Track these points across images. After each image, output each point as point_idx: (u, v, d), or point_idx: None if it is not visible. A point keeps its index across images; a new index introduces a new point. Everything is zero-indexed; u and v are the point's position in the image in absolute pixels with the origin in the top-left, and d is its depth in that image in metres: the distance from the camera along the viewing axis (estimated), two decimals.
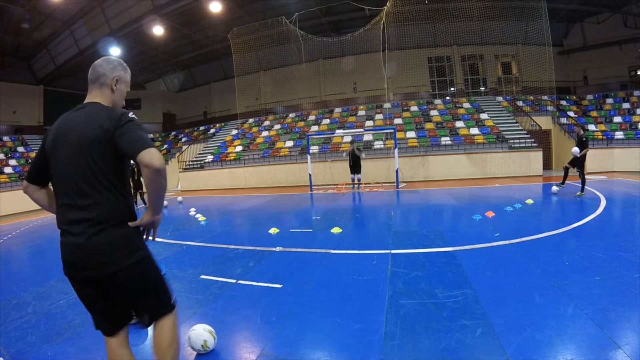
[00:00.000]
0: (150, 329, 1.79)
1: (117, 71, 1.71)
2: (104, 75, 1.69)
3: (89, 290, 1.59)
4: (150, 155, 1.43)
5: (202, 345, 2.35)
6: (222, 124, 22.90)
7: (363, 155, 11.74)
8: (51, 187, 1.66)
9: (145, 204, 11.10)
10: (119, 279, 1.56)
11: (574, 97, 18.36)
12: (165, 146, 23.22)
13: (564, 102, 17.79)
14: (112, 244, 1.52)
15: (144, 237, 1.67)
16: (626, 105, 16.37)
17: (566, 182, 8.74)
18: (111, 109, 1.62)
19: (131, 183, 11.03)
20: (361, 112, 19.01)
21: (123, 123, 1.51)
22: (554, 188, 8.59)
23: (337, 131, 16.11)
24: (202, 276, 3.99)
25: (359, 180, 11.94)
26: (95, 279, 1.55)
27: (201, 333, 2.37)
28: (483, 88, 20.20)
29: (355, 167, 11.71)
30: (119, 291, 1.60)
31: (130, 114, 1.61)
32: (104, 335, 1.69)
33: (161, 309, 1.71)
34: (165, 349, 1.68)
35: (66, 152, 1.53)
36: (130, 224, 1.57)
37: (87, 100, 1.71)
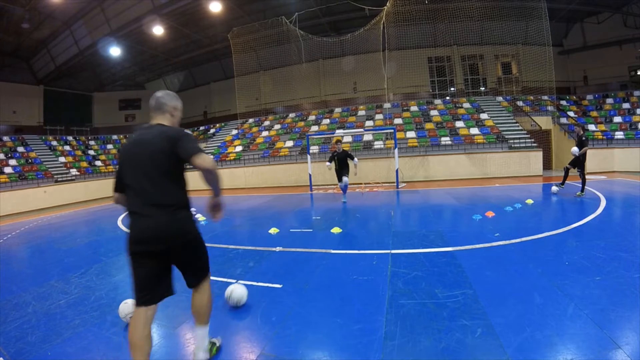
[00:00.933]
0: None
1: (174, 102, 2.25)
2: (165, 105, 2.21)
3: (152, 262, 2.02)
4: (202, 159, 1.89)
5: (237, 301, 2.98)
6: (222, 124, 22.90)
7: (355, 160, 9.02)
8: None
9: None
10: (184, 248, 2.10)
11: (574, 97, 18.36)
12: None
13: (564, 102, 17.79)
14: (181, 223, 2.06)
15: (213, 215, 2.20)
16: (626, 105, 16.37)
17: (566, 182, 8.74)
18: (172, 127, 2.15)
19: None
20: (361, 112, 19.01)
21: (181, 136, 2.01)
22: (554, 188, 8.58)
23: (337, 131, 16.10)
24: None
25: (345, 185, 9.37)
26: (161, 251, 2.02)
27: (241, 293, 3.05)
28: (483, 88, 20.20)
29: (341, 171, 9.26)
30: (184, 256, 2.13)
31: (185, 131, 2.13)
32: (138, 307, 2.01)
33: (205, 272, 2.29)
34: (205, 305, 2.25)
35: (145, 156, 2.01)
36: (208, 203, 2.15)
37: (153, 122, 2.18)
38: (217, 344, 2.43)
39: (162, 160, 1.98)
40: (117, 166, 2.16)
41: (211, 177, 1.94)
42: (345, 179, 9.19)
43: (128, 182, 2.03)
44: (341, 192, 11.91)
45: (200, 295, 2.24)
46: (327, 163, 9.34)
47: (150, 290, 2.03)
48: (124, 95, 25.56)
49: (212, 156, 2.06)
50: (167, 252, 2.05)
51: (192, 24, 18.55)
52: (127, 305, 2.86)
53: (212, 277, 3.84)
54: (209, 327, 2.30)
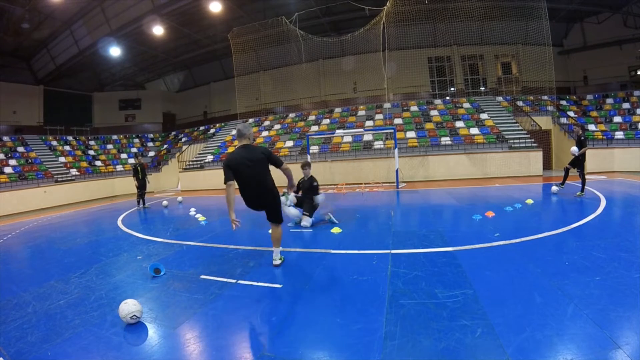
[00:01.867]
0: None
1: (251, 131, 4.08)
2: (248, 134, 4.01)
3: (261, 208, 4.09)
4: (286, 165, 4.14)
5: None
6: (222, 124, 22.90)
7: (320, 198, 6.56)
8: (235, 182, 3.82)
9: (144, 204, 11.09)
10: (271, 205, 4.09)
11: (574, 97, 18.36)
12: (165, 146, 23.22)
13: (564, 102, 17.79)
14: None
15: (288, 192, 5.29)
16: (626, 105, 16.37)
17: (566, 182, 8.74)
18: (259, 146, 4.14)
19: (136, 182, 11.06)
20: (361, 112, 19.01)
21: (269, 153, 4.00)
22: (554, 188, 8.58)
23: (337, 131, 16.10)
24: (202, 276, 4.00)
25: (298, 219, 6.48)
26: (260, 205, 4.07)
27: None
28: (483, 88, 20.20)
29: (301, 205, 6.62)
30: (270, 208, 4.10)
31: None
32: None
33: (280, 219, 4.19)
34: (279, 235, 4.21)
35: (252, 164, 3.82)
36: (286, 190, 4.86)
37: (242, 144, 3.94)
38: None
39: (263, 165, 3.93)
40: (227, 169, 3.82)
41: (289, 173, 4.29)
42: (305, 217, 6.38)
43: (242, 178, 3.88)
44: (343, 192, 11.89)
45: (277, 230, 4.17)
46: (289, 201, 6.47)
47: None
48: (124, 95, 25.55)
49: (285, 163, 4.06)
50: (265, 206, 4.11)
51: (192, 24, 18.55)
52: (127, 305, 2.86)
53: (211, 277, 3.94)
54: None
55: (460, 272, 3.58)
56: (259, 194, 3.91)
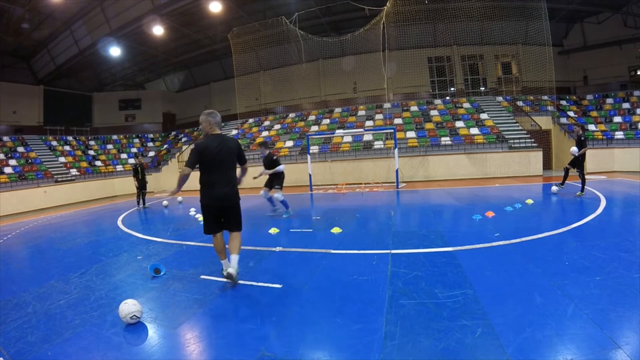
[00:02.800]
0: None
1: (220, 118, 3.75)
2: (220, 121, 3.67)
3: (219, 213, 3.62)
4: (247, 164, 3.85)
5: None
6: (222, 124, 22.86)
7: (281, 167, 7.43)
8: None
9: (144, 204, 11.09)
10: (234, 208, 3.68)
11: (574, 97, 18.36)
12: (165, 146, 23.21)
13: (564, 102, 17.79)
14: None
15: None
16: (626, 105, 16.37)
17: (566, 182, 8.74)
18: (231, 137, 3.86)
19: (136, 182, 11.07)
20: (361, 112, 19.01)
21: (240, 147, 3.73)
22: (554, 188, 8.58)
23: (337, 131, 16.11)
24: (202, 276, 4.00)
25: (283, 203, 7.56)
26: (224, 207, 3.62)
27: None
28: (483, 88, 20.20)
29: (273, 181, 7.50)
30: (234, 211, 3.69)
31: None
32: (211, 235, 3.68)
33: (241, 226, 3.76)
34: (239, 245, 3.67)
35: (226, 155, 3.54)
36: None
37: (215, 133, 3.59)
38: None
39: (233, 156, 3.67)
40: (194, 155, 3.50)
41: (247, 171, 3.89)
42: (277, 194, 7.31)
43: (209, 167, 3.53)
44: (343, 192, 11.89)
45: (237, 239, 3.70)
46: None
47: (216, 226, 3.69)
48: (124, 95, 25.55)
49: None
50: (227, 208, 3.67)
51: (192, 24, 18.54)
52: (127, 305, 2.86)
53: (211, 277, 3.93)
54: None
55: (460, 272, 3.58)
56: (226, 194, 3.52)
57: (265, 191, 7.58)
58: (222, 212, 3.60)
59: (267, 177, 7.50)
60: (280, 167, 7.35)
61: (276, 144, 17.82)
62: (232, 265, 3.59)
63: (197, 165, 3.47)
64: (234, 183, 3.60)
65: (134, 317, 2.85)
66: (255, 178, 7.40)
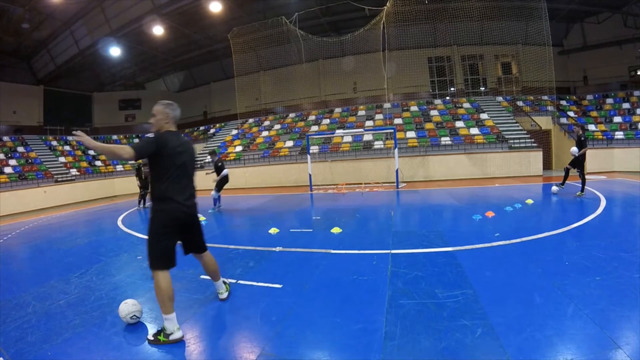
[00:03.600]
0: None
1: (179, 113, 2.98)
2: (178, 116, 2.88)
3: (181, 232, 2.83)
4: None
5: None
6: (222, 124, 22.90)
7: (226, 171, 9.02)
8: None
9: (144, 204, 11.10)
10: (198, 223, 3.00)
11: (574, 97, 18.36)
12: None
13: (564, 102, 17.79)
14: None
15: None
16: (626, 105, 16.37)
17: (566, 182, 8.74)
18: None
19: (138, 182, 11.17)
20: (361, 112, 19.01)
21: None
22: (554, 188, 8.58)
23: (337, 131, 16.11)
24: (202, 276, 3.99)
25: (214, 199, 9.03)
26: (191, 224, 2.89)
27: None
28: (483, 88, 20.20)
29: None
30: (198, 228, 2.99)
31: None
32: (166, 270, 2.66)
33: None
34: (216, 263, 3.16)
35: (190, 158, 2.91)
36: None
37: (173, 130, 2.82)
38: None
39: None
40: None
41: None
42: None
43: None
44: (343, 192, 11.96)
45: (210, 257, 3.15)
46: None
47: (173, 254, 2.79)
48: (124, 95, 25.56)
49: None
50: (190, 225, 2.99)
51: (192, 24, 18.53)
52: (127, 305, 2.86)
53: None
54: None
55: (460, 272, 3.58)
56: (194, 206, 2.90)
57: (215, 192, 8.98)
58: (185, 231, 2.86)
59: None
60: (225, 172, 8.72)
61: (276, 144, 17.83)
62: (219, 291, 3.24)
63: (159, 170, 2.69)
64: (195, 195, 2.92)
65: (134, 317, 2.85)
66: (214, 181, 8.96)
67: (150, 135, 2.69)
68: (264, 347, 2.42)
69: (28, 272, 4.91)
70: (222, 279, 3.27)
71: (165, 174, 2.64)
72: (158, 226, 2.64)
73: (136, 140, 23.64)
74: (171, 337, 2.55)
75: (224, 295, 3.24)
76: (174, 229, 2.72)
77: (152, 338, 2.59)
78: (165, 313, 2.58)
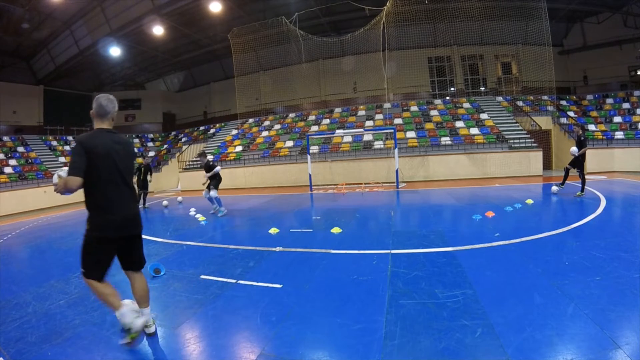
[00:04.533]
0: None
1: (115, 109, 2.52)
2: (113, 113, 2.50)
3: (118, 246, 2.49)
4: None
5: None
6: (222, 124, 22.89)
7: (218, 168, 8.66)
8: None
9: (144, 204, 11.09)
10: (139, 237, 2.64)
11: (574, 97, 18.36)
12: (165, 146, 23.22)
13: (564, 102, 17.79)
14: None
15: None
16: (626, 105, 16.37)
17: (566, 182, 8.74)
18: (126, 138, 2.70)
19: (136, 182, 11.12)
20: (361, 112, 19.01)
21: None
22: (554, 188, 8.58)
23: (337, 131, 16.11)
24: (202, 276, 4.00)
25: (217, 200, 8.71)
26: (130, 237, 2.53)
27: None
28: (483, 88, 20.20)
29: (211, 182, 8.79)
30: (140, 240, 2.64)
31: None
32: (97, 280, 2.43)
33: (144, 260, 2.69)
34: (148, 290, 2.65)
35: (125, 159, 2.52)
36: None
37: (105, 128, 2.46)
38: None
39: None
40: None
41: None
42: (214, 193, 8.57)
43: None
44: (343, 192, 11.96)
45: (142, 278, 2.67)
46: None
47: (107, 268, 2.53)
48: (124, 95, 25.53)
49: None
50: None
51: (192, 24, 18.54)
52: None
53: (211, 277, 3.92)
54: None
55: (460, 272, 3.58)
56: (135, 216, 2.51)
57: (206, 192, 8.70)
58: (122, 244, 2.50)
59: (208, 180, 8.66)
60: (217, 169, 8.55)
61: (276, 144, 17.84)
62: (147, 324, 2.60)
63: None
64: (135, 200, 2.59)
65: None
66: (203, 184, 8.76)
67: (74, 144, 2.39)
68: (264, 347, 2.42)
69: (28, 272, 4.91)
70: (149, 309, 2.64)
71: (93, 181, 2.32)
72: (91, 239, 2.39)
73: (136, 141, 23.67)
74: (134, 329, 2.42)
75: (152, 329, 2.63)
76: (108, 244, 2.40)
77: (125, 341, 2.49)
78: (115, 309, 2.44)
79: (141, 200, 11.13)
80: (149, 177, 11.19)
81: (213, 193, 8.50)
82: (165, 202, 11.38)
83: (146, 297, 2.61)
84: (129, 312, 2.45)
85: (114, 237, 2.41)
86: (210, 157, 9.38)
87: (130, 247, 2.54)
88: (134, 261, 2.61)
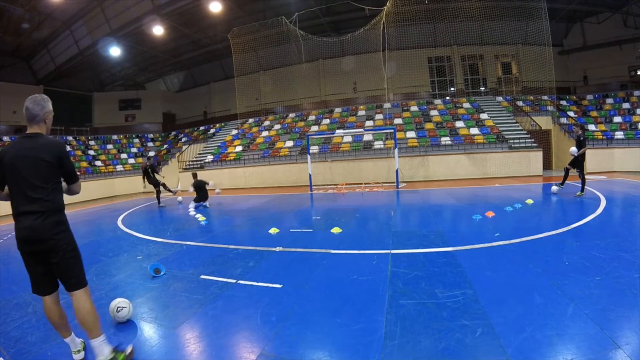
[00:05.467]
0: None
1: (46, 110, 2.32)
2: (42, 115, 2.29)
3: (35, 259, 2.27)
4: (80, 184, 2.62)
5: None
6: (222, 124, 22.90)
7: (212, 183, 10.85)
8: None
9: (159, 203, 11.31)
10: (54, 252, 2.24)
11: (574, 97, 18.36)
12: (165, 146, 23.22)
13: (564, 102, 17.79)
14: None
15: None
16: (626, 105, 16.37)
17: (566, 182, 8.74)
18: (55, 140, 2.34)
19: (145, 183, 11.48)
20: (361, 112, 19.01)
21: (67, 156, 2.38)
22: (554, 188, 8.58)
23: (337, 131, 16.11)
24: (202, 276, 3.99)
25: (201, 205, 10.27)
26: (35, 251, 2.24)
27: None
28: (483, 88, 20.20)
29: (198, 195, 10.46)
30: (52, 261, 2.25)
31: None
32: (41, 295, 2.29)
33: (81, 282, 2.32)
34: (92, 313, 2.27)
35: (35, 165, 2.22)
36: None
37: (30, 132, 2.28)
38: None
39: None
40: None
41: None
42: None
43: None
44: (343, 192, 11.98)
45: (81, 301, 2.26)
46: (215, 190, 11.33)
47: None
48: (124, 95, 25.56)
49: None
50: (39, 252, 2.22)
51: (192, 24, 18.54)
52: (113, 302, 2.97)
53: (211, 277, 3.91)
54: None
55: (460, 272, 3.58)
56: (33, 229, 2.16)
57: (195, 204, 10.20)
58: (37, 258, 2.25)
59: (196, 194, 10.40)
60: (212, 183, 10.80)
61: (276, 144, 17.84)
62: (97, 355, 2.23)
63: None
64: (48, 210, 2.19)
65: (119, 308, 2.91)
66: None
67: None
68: (264, 347, 2.41)
69: None
70: (103, 337, 2.28)
71: (9, 192, 2.23)
72: (19, 249, 2.25)
73: (136, 141, 23.67)
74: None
75: (81, 356, 2.36)
76: (26, 257, 2.26)
77: None
78: (64, 337, 2.33)
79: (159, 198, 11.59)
80: (157, 176, 11.53)
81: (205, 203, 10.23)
82: (179, 198, 11.94)
83: (89, 324, 2.23)
84: (74, 344, 2.36)
85: (25, 250, 2.24)
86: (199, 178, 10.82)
87: (48, 263, 2.24)
88: (61, 280, 2.28)
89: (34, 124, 2.26)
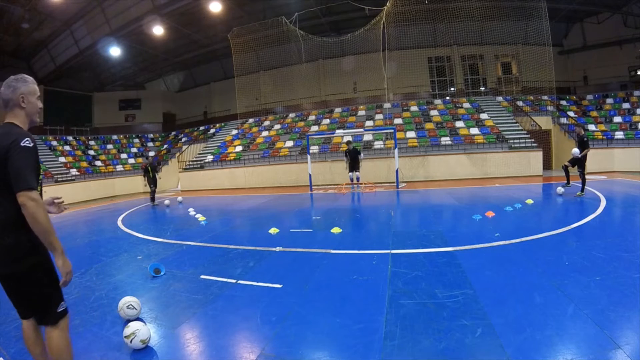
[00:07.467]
0: None
1: (18, 93, 1.87)
2: (15, 99, 1.84)
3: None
4: (34, 195, 1.67)
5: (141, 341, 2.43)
6: (222, 124, 22.90)
7: (362, 155, 12.44)
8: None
9: (153, 202, 11.37)
10: (14, 280, 1.84)
11: (574, 97, 18.36)
12: (165, 146, 23.22)
13: (564, 102, 17.79)
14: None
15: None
16: (626, 105, 16.37)
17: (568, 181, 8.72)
18: (22, 131, 1.80)
19: (145, 181, 11.61)
20: (361, 112, 19.01)
21: (18, 148, 1.68)
22: (560, 189, 8.41)
23: (337, 131, 16.11)
24: (202, 276, 3.99)
25: (357, 179, 12.14)
26: None
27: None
28: (483, 88, 20.20)
29: (354, 165, 12.04)
30: (12, 289, 1.90)
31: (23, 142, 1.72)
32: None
33: (54, 315, 1.90)
34: (66, 351, 1.88)
35: None
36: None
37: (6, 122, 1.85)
38: None
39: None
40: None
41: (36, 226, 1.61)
42: (357, 174, 12.19)
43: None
44: (343, 192, 11.99)
45: (54, 335, 1.86)
46: (345, 158, 12.45)
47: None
48: (124, 95, 25.55)
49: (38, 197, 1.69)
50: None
51: (192, 24, 18.54)
52: (125, 298, 2.96)
53: (211, 277, 3.91)
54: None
55: (460, 272, 3.58)
56: None
57: (354, 173, 11.95)
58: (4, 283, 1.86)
59: (347, 164, 12.04)
60: (362, 155, 12.54)
61: (276, 144, 17.84)
62: None
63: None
64: (5, 227, 1.71)
65: (131, 306, 2.88)
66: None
67: None
68: (264, 347, 2.41)
69: None
70: None
71: None
72: None
73: (136, 141, 23.67)
74: None
75: None
76: None
77: None
78: None
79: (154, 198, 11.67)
80: (157, 175, 11.70)
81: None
82: (166, 202, 11.47)
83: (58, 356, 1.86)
84: None
85: None
86: None
87: (7, 288, 1.85)
88: (25, 308, 1.93)
89: (8, 112, 1.81)
